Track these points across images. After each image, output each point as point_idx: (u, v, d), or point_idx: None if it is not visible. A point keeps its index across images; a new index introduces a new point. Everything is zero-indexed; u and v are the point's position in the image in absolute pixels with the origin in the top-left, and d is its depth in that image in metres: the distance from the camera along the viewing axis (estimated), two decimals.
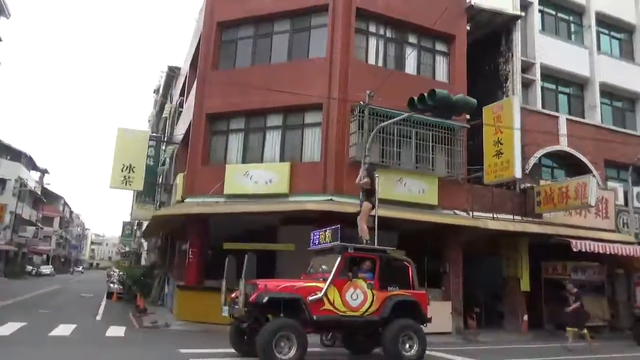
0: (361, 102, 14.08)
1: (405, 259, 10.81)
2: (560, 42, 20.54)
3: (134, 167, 19.66)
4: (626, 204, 19.58)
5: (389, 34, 16.77)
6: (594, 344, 13.30)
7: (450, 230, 15.99)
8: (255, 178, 15.16)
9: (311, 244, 11.08)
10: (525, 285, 17.31)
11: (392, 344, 9.51)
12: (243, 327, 9.55)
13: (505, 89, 18.96)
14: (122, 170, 19.58)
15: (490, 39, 19.45)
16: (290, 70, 15.99)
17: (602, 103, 21.06)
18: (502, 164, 15.05)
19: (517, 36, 19.10)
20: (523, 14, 19.41)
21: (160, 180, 23.77)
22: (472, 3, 17.61)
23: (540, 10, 20.40)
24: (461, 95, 10.28)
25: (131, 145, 19.89)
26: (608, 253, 16.52)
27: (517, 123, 15.00)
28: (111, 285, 27.29)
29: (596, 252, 16.20)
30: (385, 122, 13.29)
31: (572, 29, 21.53)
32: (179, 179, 17.78)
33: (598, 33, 21.67)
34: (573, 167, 19.61)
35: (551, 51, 20.02)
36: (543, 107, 19.37)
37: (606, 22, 22.11)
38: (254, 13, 16.86)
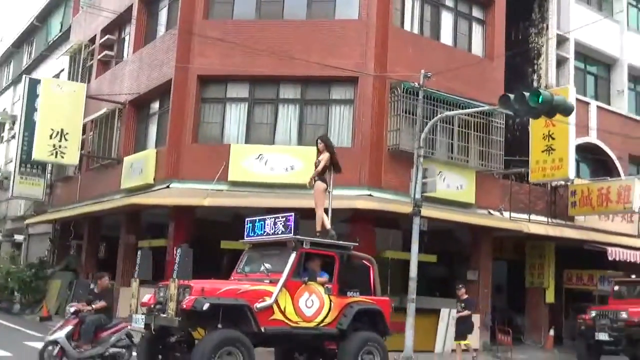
0: (415, 84, 16.76)
1: (367, 257, 11.79)
2: (591, 13, 24.64)
3: (66, 133, 20.64)
4: None
5: None
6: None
7: (482, 232, 19.46)
8: (272, 163, 17.29)
9: (246, 235, 11.88)
10: (550, 296, 21.46)
11: None
12: (171, 341, 10.30)
13: (537, 66, 22.72)
14: (51, 138, 20.47)
15: (518, 2, 22.89)
16: (312, 31, 18.11)
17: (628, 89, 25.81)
18: (553, 162, 18.73)
19: (553, 4, 22.85)
20: None
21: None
22: None
23: None
24: (561, 97, 13.41)
25: (61, 104, 20.76)
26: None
27: (573, 116, 18.64)
28: None
29: (630, 261, 20.67)
30: (454, 112, 16.26)
31: None
32: (148, 156, 19.29)
33: (627, 4, 26.27)
34: (598, 162, 24.07)
35: (583, 24, 24.02)
36: None
37: None
38: None
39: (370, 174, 17.33)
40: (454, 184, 18.57)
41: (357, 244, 11.79)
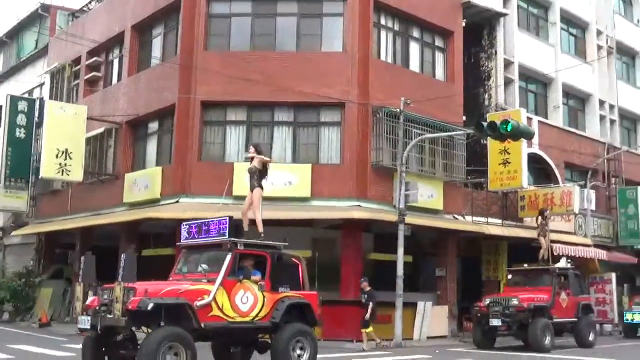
0: (398, 109, 19.47)
1: (296, 255, 12.58)
2: (531, 39, 28.06)
3: (70, 152, 22.16)
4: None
5: (396, 27, 22.26)
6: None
7: (449, 234, 22.36)
8: (271, 179, 19.43)
9: (182, 238, 12.48)
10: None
11: (284, 353, 11.26)
12: (117, 340, 10.93)
13: (488, 87, 25.86)
14: (57, 157, 22.00)
15: (470, 31, 25.96)
16: (301, 61, 20.48)
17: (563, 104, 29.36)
18: (509, 173, 21.83)
19: (500, 33, 26.05)
20: (509, 12, 26.39)
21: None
22: None
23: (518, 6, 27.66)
24: (524, 125, 16.38)
25: (65, 125, 22.32)
26: (578, 256, 24.52)
27: None
28: None
29: (571, 255, 24.01)
30: (433, 134, 19.03)
31: (539, 24, 29.33)
32: (154, 173, 21.24)
33: (560, 30, 29.82)
34: (539, 170, 27.44)
35: (524, 49, 27.43)
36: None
37: (565, 18, 30.36)
38: None
39: (357, 187, 19.90)
40: (425, 194, 21.29)
41: (287, 244, 12.46)
